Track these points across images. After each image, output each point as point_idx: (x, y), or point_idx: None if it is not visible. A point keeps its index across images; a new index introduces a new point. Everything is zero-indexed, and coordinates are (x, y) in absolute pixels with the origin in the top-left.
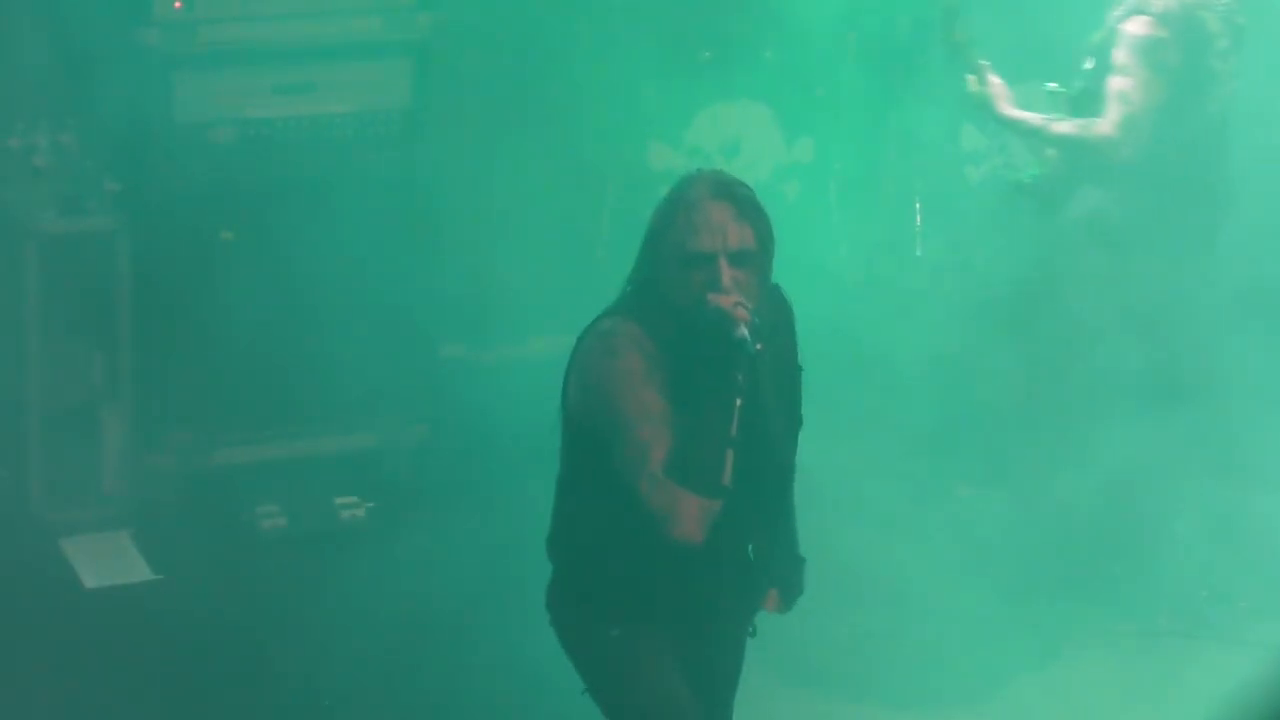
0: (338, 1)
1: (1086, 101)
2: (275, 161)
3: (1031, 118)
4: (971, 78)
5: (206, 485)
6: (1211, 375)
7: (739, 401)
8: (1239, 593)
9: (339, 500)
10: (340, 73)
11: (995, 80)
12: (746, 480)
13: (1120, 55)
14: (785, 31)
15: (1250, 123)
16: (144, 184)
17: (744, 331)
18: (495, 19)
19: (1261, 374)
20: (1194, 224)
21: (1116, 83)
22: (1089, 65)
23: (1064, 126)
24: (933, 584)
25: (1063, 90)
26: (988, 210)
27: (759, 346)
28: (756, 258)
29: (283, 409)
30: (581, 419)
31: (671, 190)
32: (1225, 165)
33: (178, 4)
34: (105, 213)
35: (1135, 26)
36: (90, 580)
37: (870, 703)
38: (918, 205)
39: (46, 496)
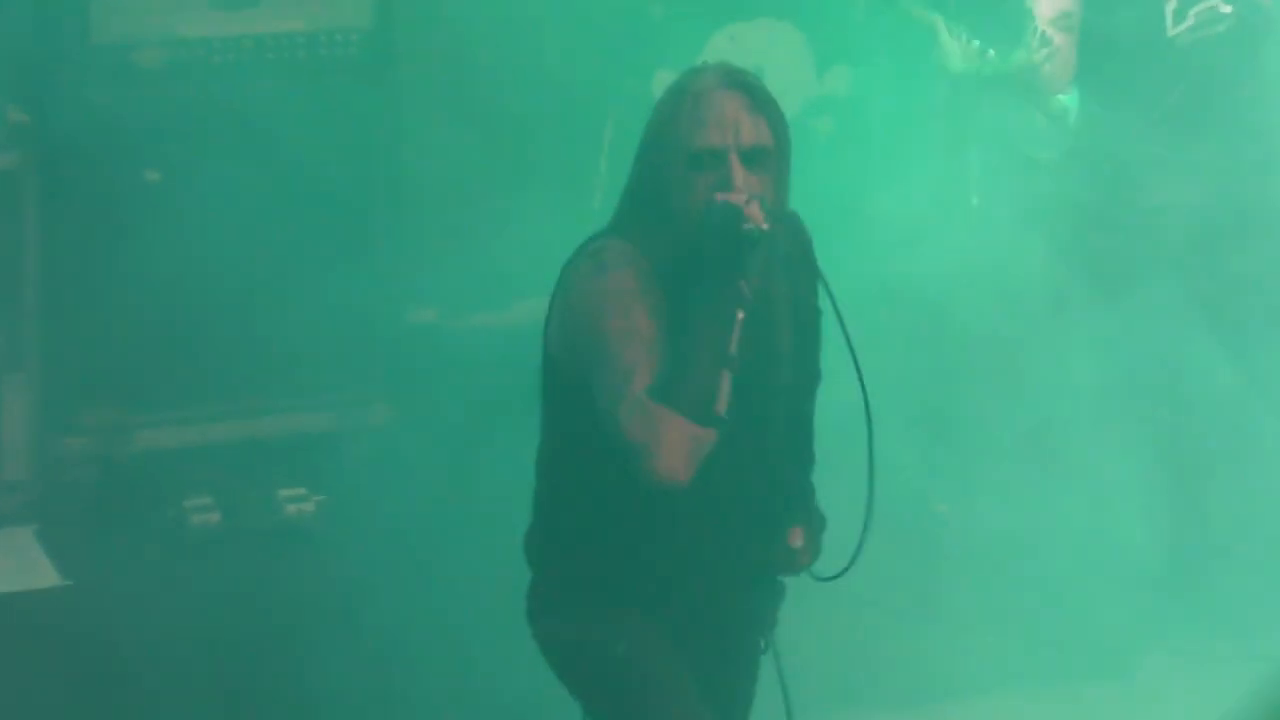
0: None
1: None
2: (211, 89)
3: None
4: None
5: (126, 472)
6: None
7: (741, 315)
8: None
9: (284, 492)
10: None
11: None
12: (760, 449)
13: None
14: None
15: None
16: (55, 114)
17: (751, 224)
18: None
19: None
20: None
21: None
22: None
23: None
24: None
25: None
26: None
27: (765, 227)
28: (772, 157)
29: (217, 383)
30: (564, 356)
31: (674, 83)
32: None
33: None
34: (9, 148)
35: None
36: None
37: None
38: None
39: None
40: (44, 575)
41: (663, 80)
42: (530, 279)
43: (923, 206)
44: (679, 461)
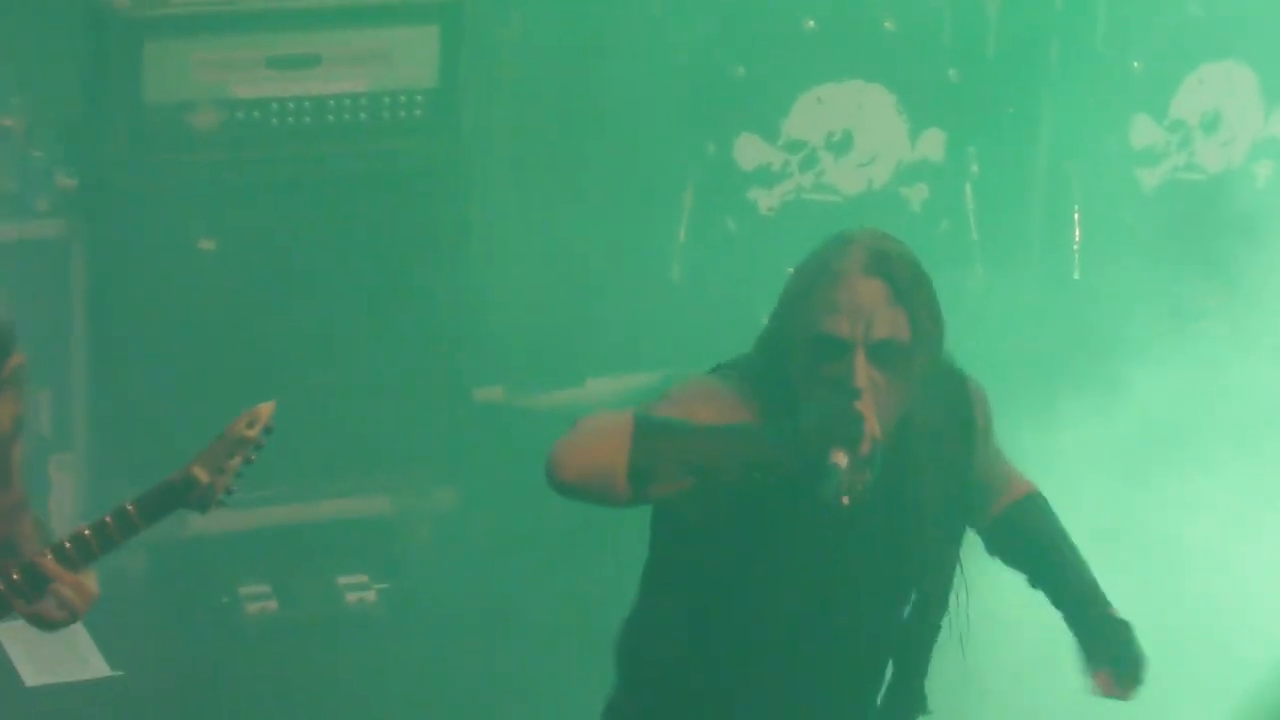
0: None
1: None
2: (269, 152)
3: None
4: None
5: (179, 558)
6: None
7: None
8: None
9: (344, 580)
10: (352, 42)
11: None
12: (858, 625)
13: None
14: None
15: None
16: (105, 179)
17: (841, 461)
18: None
19: None
20: None
21: None
22: None
23: None
24: None
25: None
26: (1165, 224)
27: (845, 500)
28: (908, 355)
29: (273, 464)
30: None
31: (819, 249)
32: None
33: None
34: (58, 215)
35: None
36: (31, 677)
37: None
38: (1076, 217)
39: None
40: (93, 665)
41: (747, 144)
42: (604, 355)
43: (1022, 279)
44: (567, 444)
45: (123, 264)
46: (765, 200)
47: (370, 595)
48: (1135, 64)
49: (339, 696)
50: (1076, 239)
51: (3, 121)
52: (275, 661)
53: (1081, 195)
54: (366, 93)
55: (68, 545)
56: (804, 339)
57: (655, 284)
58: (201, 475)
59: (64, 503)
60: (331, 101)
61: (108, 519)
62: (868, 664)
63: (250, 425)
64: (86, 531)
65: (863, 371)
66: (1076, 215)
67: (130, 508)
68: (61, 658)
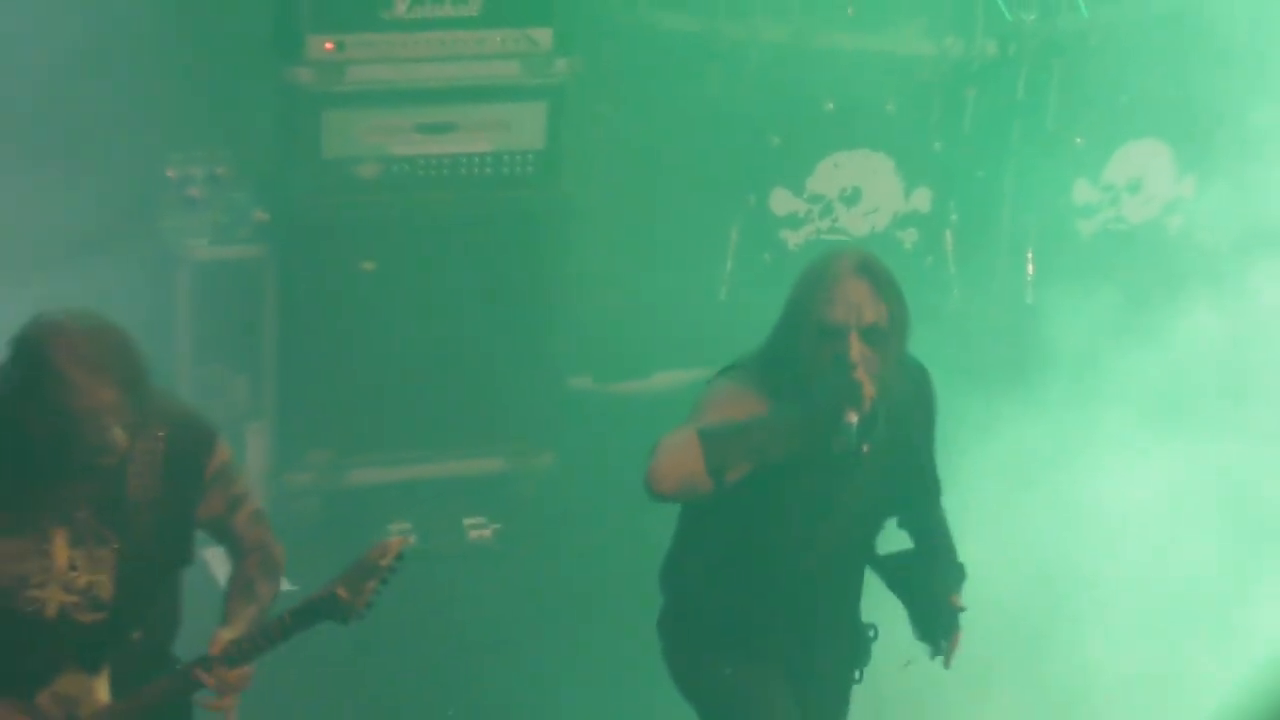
0: (478, 46)
1: None
2: (416, 196)
3: None
4: None
5: (342, 502)
6: None
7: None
8: None
9: (468, 521)
10: (480, 113)
11: None
12: (845, 548)
13: None
14: (906, 86)
15: None
16: (291, 215)
17: (853, 419)
18: (629, 66)
19: None
20: None
21: None
22: None
23: None
24: None
25: None
26: (1098, 263)
27: (866, 448)
28: (888, 336)
29: (416, 432)
30: None
31: (815, 262)
32: None
33: (329, 45)
34: (254, 241)
35: None
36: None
37: None
38: (1030, 256)
39: None
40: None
41: (779, 196)
42: (668, 353)
43: (988, 303)
44: (662, 461)
45: (304, 278)
46: (793, 239)
47: (488, 533)
48: (1077, 140)
49: (461, 611)
50: (1030, 273)
51: (216, 170)
52: (414, 582)
53: (1034, 240)
54: (491, 152)
55: (244, 643)
56: (809, 328)
57: (707, 301)
58: (343, 594)
59: (257, 458)
60: (464, 159)
61: (270, 627)
62: (853, 571)
63: (383, 556)
64: (259, 637)
65: (856, 349)
66: (1030, 255)
67: (287, 618)
68: None
